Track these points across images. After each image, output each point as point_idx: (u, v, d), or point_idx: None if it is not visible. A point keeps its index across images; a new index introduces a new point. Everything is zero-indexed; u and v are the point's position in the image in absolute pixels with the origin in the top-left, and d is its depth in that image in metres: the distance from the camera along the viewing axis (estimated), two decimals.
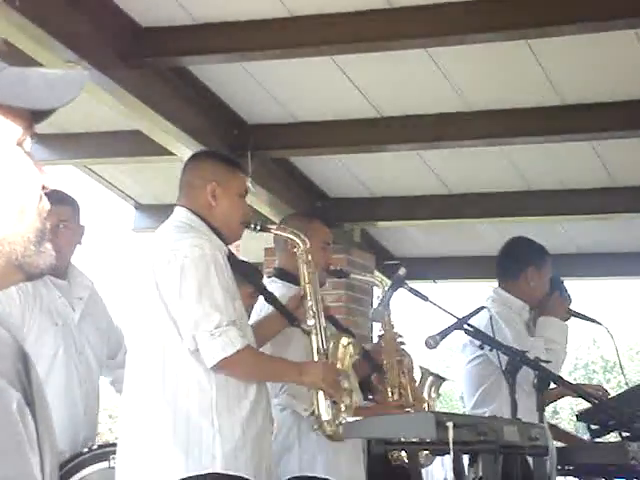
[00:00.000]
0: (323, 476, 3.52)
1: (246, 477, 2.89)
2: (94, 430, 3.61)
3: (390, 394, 3.63)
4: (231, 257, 3.17)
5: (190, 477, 2.83)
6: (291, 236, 3.30)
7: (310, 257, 3.28)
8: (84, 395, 3.50)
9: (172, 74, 4.95)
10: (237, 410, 2.92)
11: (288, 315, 3.24)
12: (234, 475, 2.86)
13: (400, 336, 3.73)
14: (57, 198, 3.54)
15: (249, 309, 4.51)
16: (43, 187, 1.18)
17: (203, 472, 2.83)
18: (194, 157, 3.34)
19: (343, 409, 3.10)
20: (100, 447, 3.38)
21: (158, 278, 2.95)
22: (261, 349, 3.23)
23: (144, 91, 4.72)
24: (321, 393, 3.07)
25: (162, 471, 2.85)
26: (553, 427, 4.51)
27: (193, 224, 3.07)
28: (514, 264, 4.30)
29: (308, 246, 3.28)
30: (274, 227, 3.37)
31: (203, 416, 2.87)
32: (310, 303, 3.22)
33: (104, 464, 3.29)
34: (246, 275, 3.31)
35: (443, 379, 3.99)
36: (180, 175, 3.27)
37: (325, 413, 3.09)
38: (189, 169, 3.23)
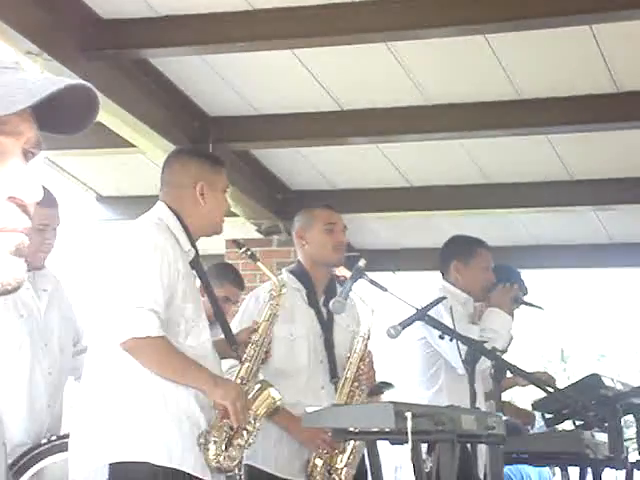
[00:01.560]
0: (260, 467, 3.58)
1: (183, 470, 2.92)
2: (59, 422, 3.61)
3: (345, 398, 3.67)
4: (197, 263, 3.20)
5: (128, 462, 2.88)
6: (272, 276, 3.40)
7: (279, 301, 3.33)
8: (49, 387, 3.50)
9: (133, 66, 4.94)
10: (175, 401, 2.95)
11: (232, 342, 3.25)
12: (171, 468, 2.90)
13: (369, 368, 3.75)
14: (45, 200, 3.53)
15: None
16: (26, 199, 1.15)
17: (140, 460, 2.88)
18: (178, 155, 3.38)
19: (235, 444, 3.04)
20: (59, 438, 3.39)
21: (112, 267, 3.05)
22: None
23: (105, 83, 4.71)
24: (221, 415, 3.02)
25: (102, 453, 2.91)
26: (506, 403, 4.60)
27: (166, 220, 3.12)
28: (441, 260, 4.54)
29: (282, 291, 3.35)
30: (259, 263, 3.40)
31: (141, 404, 2.92)
32: (256, 338, 3.24)
33: (64, 455, 3.30)
34: (206, 286, 3.34)
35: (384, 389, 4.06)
36: (162, 171, 3.32)
37: (217, 433, 3.01)
38: (174, 167, 3.28)
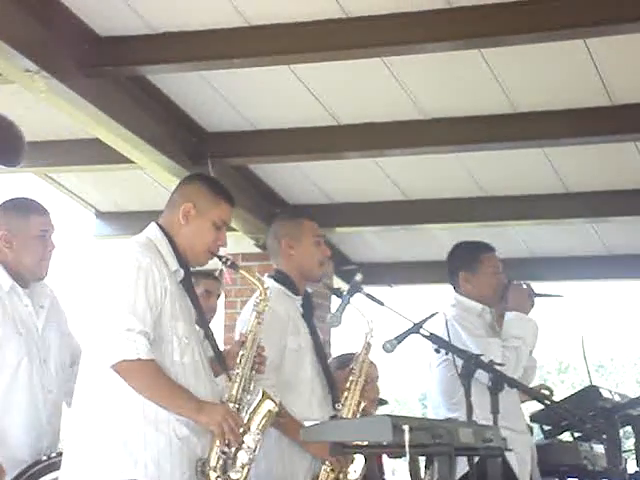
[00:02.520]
0: None
1: None
2: (57, 439, 3.62)
3: (346, 412, 3.67)
4: (188, 283, 3.16)
5: None
6: (256, 282, 3.28)
7: (264, 307, 3.25)
8: (48, 404, 3.50)
9: (131, 83, 4.98)
10: (166, 420, 2.93)
11: (220, 360, 3.23)
12: None
13: (372, 363, 3.75)
14: (39, 208, 3.57)
15: (207, 312, 4.56)
16: None
17: (127, 478, 2.86)
18: (188, 177, 3.38)
19: (238, 466, 3.02)
20: (59, 455, 3.39)
21: (97, 288, 3.03)
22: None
23: (103, 100, 4.75)
24: (217, 440, 2.99)
25: (88, 474, 2.90)
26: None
27: (153, 238, 3.11)
28: (449, 274, 4.43)
29: (268, 298, 3.27)
30: (242, 270, 3.30)
31: (131, 423, 2.91)
32: (242, 352, 3.19)
33: None
34: (195, 306, 3.29)
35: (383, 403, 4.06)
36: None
37: (213, 459, 3.00)
38: (178, 187, 3.28)
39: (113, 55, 4.61)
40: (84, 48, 4.55)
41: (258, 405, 3.15)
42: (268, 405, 3.16)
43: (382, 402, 4.51)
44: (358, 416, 3.64)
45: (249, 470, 3.06)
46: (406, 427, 2.71)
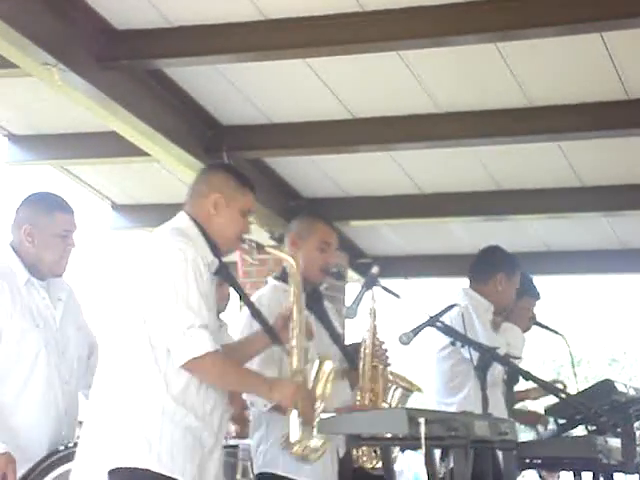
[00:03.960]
0: (283, 474, 3.59)
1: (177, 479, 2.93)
2: (74, 429, 3.65)
3: (360, 397, 3.69)
4: (224, 271, 3.19)
5: (126, 468, 2.90)
6: (285, 256, 3.34)
7: (299, 279, 3.29)
8: (66, 395, 3.53)
9: (147, 76, 5.00)
10: (181, 412, 2.95)
11: (272, 334, 3.26)
12: (167, 476, 2.91)
13: (382, 343, 3.77)
14: (67, 207, 3.60)
15: (222, 300, 4.57)
16: None
17: (139, 466, 2.89)
18: (210, 167, 3.41)
19: (315, 433, 3.09)
20: (76, 445, 3.41)
21: (138, 277, 3.03)
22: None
23: (120, 93, 4.77)
24: (294, 413, 3.07)
25: (104, 459, 2.93)
26: (516, 410, 4.63)
27: (188, 230, 3.11)
28: (487, 268, 4.49)
29: (300, 268, 3.30)
30: (270, 248, 3.36)
31: (149, 414, 2.93)
32: (293, 324, 3.23)
33: None
34: (237, 291, 3.33)
35: (411, 391, 4.07)
36: (193, 182, 3.31)
37: (294, 433, 3.08)
38: (201, 177, 3.29)
39: (130, 48, 4.63)
40: (101, 41, 4.57)
41: (319, 370, 3.21)
42: (327, 367, 3.22)
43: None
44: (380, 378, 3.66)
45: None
46: (422, 420, 2.72)
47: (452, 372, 4.30)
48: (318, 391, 3.19)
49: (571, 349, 4.69)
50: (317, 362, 3.24)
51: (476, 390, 4.16)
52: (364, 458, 3.65)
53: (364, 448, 3.63)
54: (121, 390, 2.98)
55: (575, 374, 4.68)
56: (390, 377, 3.77)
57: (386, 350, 3.76)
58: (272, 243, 6.71)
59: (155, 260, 3.02)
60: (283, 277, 3.79)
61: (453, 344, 3.75)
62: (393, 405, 3.80)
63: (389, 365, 3.76)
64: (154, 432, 2.92)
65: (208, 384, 3.01)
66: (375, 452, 3.63)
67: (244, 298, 3.33)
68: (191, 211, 3.18)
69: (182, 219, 3.17)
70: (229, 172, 3.27)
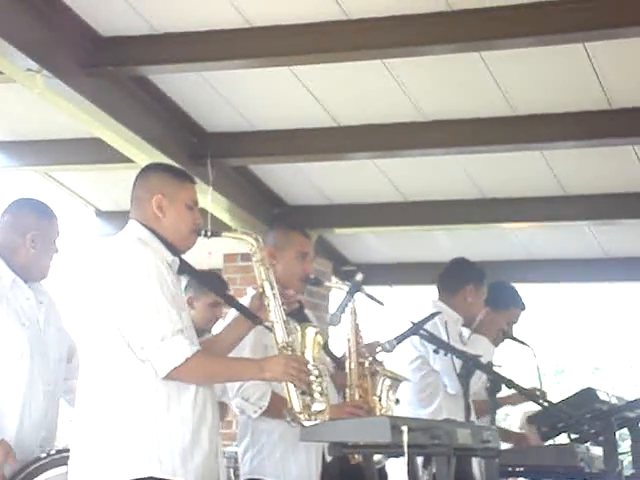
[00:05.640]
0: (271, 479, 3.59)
1: None
2: (54, 433, 3.64)
3: (349, 395, 3.69)
4: (186, 267, 3.21)
5: None
6: (242, 236, 3.31)
7: (263, 255, 3.27)
8: (47, 397, 3.53)
9: (132, 83, 5.00)
10: (179, 418, 2.94)
11: (250, 315, 3.27)
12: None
13: (361, 338, 3.78)
14: (52, 213, 3.69)
15: (212, 321, 4.55)
16: None
17: (143, 476, 2.87)
18: (142, 170, 3.35)
19: (318, 397, 3.11)
20: (58, 452, 3.40)
21: (103, 289, 3.00)
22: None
23: (104, 99, 4.77)
24: (291, 385, 3.08)
25: (104, 473, 2.90)
26: (500, 429, 4.66)
27: (142, 236, 3.10)
28: (455, 280, 4.55)
29: (260, 244, 3.28)
30: (225, 232, 3.34)
31: (146, 422, 2.90)
32: (267, 300, 3.22)
33: (62, 469, 3.31)
34: (206, 283, 3.35)
35: (399, 380, 4.07)
36: (132, 187, 3.30)
37: (296, 404, 3.09)
38: (138, 182, 3.27)
39: (114, 55, 4.63)
40: (86, 48, 4.57)
41: (302, 337, 3.21)
42: (311, 332, 3.22)
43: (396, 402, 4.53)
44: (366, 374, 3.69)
45: (327, 395, 3.14)
46: (405, 428, 2.73)
47: (422, 383, 4.35)
48: (308, 357, 3.18)
49: (539, 360, 4.74)
50: (299, 330, 3.23)
51: (447, 401, 4.21)
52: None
53: None
54: (110, 400, 2.94)
55: (541, 383, 4.74)
56: (378, 369, 3.79)
57: (370, 345, 3.77)
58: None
59: (116, 270, 2.99)
60: None
61: (436, 352, 3.77)
62: (386, 396, 3.81)
63: (374, 359, 3.77)
64: (151, 438, 2.89)
65: (202, 385, 2.99)
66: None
67: (217, 289, 3.28)
68: (139, 217, 3.16)
69: (134, 226, 3.15)
70: (164, 170, 3.26)
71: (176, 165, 5.40)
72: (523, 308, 4.85)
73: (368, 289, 3.70)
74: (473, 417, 3.84)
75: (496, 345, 4.63)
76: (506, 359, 4.75)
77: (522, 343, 4.75)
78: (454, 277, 4.57)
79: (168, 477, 2.89)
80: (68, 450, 3.27)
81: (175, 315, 2.96)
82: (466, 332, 4.60)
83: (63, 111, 4.86)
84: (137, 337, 2.93)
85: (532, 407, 4.40)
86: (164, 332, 2.92)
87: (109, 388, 2.96)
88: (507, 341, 4.81)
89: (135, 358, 2.94)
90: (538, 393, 4.54)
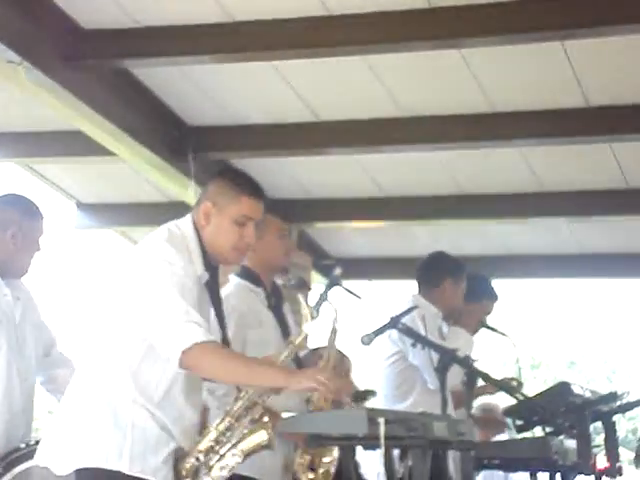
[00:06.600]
0: (245, 474, 3.55)
1: (138, 475, 2.86)
2: (30, 428, 3.66)
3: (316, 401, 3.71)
4: (209, 285, 3.06)
5: (97, 469, 2.84)
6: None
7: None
8: (24, 393, 3.54)
9: (114, 76, 5.00)
10: (154, 415, 2.90)
11: None
12: (140, 477, 2.86)
13: (344, 356, 3.82)
14: (41, 213, 3.70)
15: None
16: None
17: (110, 468, 2.84)
18: (218, 172, 3.23)
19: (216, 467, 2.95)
20: (37, 442, 3.42)
21: (128, 278, 2.96)
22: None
23: (85, 92, 4.77)
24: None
25: (73, 456, 2.88)
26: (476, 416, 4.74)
27: (186, 235, 3.02)
28: (434, 274, 4.59)
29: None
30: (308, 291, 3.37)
31: (121, 412, 2.88)
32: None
33: None
34: (215, 310, 3.25)
35: (367, 396, 4.15)
36: None
37: (187, 464, 2.92)
38: (208, 183, 3.17)
39: (96, 48, 4.63)
40: (67, 40, 4.57)
41: (253, 429, 2.95)
42: (259, 436, 2.95)
43: (370, 393, 4.57)
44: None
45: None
46: (381, 420, 2.77)
47: (399, 378, 4.40)
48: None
49: (518, 350, 4.81)
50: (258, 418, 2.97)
51: (423, 396, 4.26)
52: (300, 469, 3.60)
53: (303, 459, 3.59)
54: (91, 390, 2.94)
55: (520, 373, 4.81)
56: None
57: (349, 386, 3.83)
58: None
59: (141, 269, 2.93)
60: (245, 274, 3.85)
61: (414, 345, 3.82)
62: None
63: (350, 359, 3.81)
64: (125, 433, 2.86)
65: (215, 377, 2.93)
66: (312, 468, 3.59)
67: (219, 316, 3.19)
68: (194, 216, 3.08)
69: (186, 223, 3.07)
70: (226, 178, 3.12)
71: (157, 158, 5.47)
72: (496, 299, 4.90)
73: (347, 283, 3.74)
74: (450, 411, 3.88)
75: (473, 335, 4.68)
76: (485, 351, 4.80)
77: (501, 334, 4.81)
78: (433, 271, 4.61)
79: (137, 475, 2.86)
80: None
81: (194, 312, 2.85)
82: (446, 326, 4.65)
83: (45, 103, 4.86)
84: (152, 318, 2.85)
85: (510, 400, 4.44)
86: (176, 318, 2.81)
87: (90, 384, 2.94)
88: (486, 332, 4.87)
89: (120, 356, 2.91)
90: (515, 384, 4.61)
